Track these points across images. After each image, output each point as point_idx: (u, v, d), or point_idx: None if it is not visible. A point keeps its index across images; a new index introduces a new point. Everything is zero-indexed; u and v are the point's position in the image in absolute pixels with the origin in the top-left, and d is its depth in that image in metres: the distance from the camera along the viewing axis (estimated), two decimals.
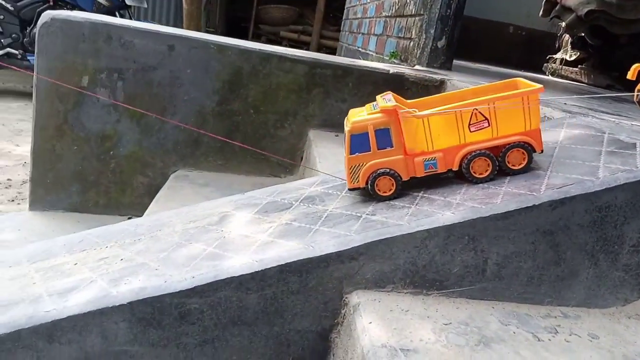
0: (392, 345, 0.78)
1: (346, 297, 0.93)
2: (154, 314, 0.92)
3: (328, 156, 1.88)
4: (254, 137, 2.26)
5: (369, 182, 1.04)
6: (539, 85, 0.99)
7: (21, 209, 2.77)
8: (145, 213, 1.89)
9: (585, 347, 0.86)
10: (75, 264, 1.10)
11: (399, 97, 1.12)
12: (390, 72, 2.26)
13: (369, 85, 2.24)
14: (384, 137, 1.02)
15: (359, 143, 1.02)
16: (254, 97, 2.22)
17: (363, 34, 4.57)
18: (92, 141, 2.20)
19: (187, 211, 1.28)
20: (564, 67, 4.64)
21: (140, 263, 1.03)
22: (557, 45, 5.15)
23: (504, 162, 1.01)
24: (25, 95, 6.19)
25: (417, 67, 2.76)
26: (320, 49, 8.33)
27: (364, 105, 1.18)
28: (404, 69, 2.34)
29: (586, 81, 3.91)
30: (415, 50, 2.86)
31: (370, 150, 1.03)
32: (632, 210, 0.93)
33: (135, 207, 2.28)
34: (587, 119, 1.28)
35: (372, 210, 1.02)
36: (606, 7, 3.88)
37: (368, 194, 1.09)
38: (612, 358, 0.83)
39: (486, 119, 0.99)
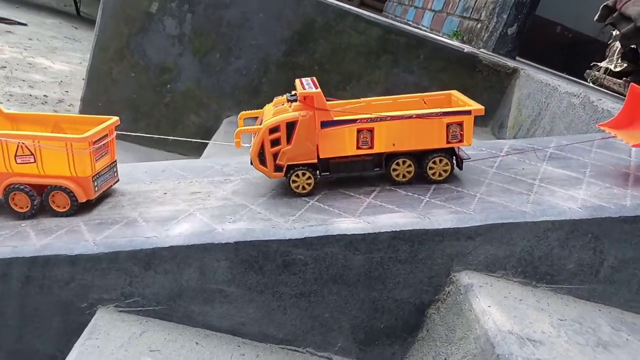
0: (518, 334, 0.76)
1: (454, 276, 0.90)
2: (258, 258, 0.89)
3: None
4: None
5: None
6: (92, 130, 0.97)
7: None
8: (203, 155, 1.85)
9: None
10: (165, 193, 1.07)
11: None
12: (465, 51, 2.19)
13: (440, 61, 2.17)
14: None
15: None
16: (322, 54, 2.15)
17: (416, 7, 4.44)
18: (150, 71, 2.14)
19: None
20: (607, 77, 4.53)
21: (240, 204, 1.00)
22: (607, 53, 5.03)
23: (47, 201, 0.98)
24: (59, 12, 6.08)
25: (482, 50, 2.68)
26: None
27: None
28: (477, 51, 2.27)
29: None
30: (483, 33, 2.78)
31: None
32: None
33: (183, 145, 2.23)
34: None
35: (487, 191, 0.98)
36: None
37: (478, 172, 1.06)
38: None
39: (32, 154, 0.96)
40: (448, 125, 0.99)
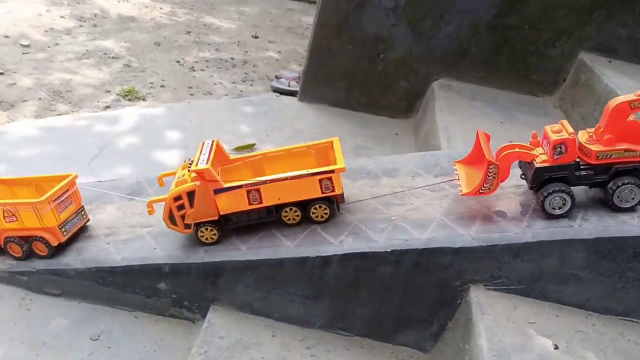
0: None
1: None
2: (612, 250, 1.08)
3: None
4: (521, 54, 2.27)
5: None
6: (49, 192, 1.26)
7: (256, 90, 3.03)
8: (438, 120, 2.00)
9: None
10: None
11: None
12: None
13: None
14: None
15: None
16: (532, 13, 2.19)
17: None
18: (366, 42, 2.31)
19: None
20: None
21: None
22: None
23: (31, 247, 1.31)
24: None
25: None
26: None
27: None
28: None
29: None
30: None
31: None
32: None
33: (393, 108, 2.43)
34: None
35: None
36: None
37: None
38: None
39: (14, 215, 1.27)
40: (320, 180, 1.18)
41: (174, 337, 1.30)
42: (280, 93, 2.95)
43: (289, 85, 2.96)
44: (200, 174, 1.18)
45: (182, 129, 2.29)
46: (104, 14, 3.74)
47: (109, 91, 2.69)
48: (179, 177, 1.24)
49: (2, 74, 2.65)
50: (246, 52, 3.57)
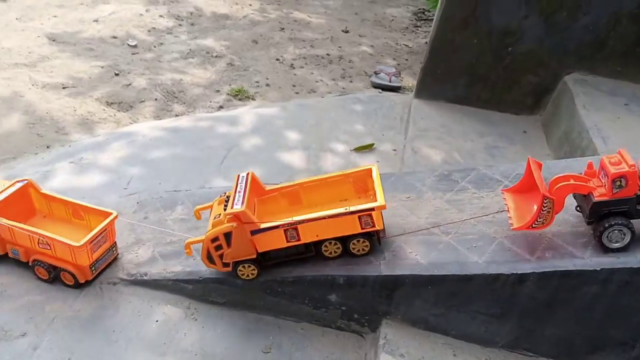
0: None
1: None
2: None
3: None
4: None
5: None
6: (88, 235, 1.28)
7: (357, 87, 2.95)
8: (583, 118, 1.86)
9: None
10: None
11: None
12: None
13: None
14: None
15: None
16: None
17: None
18: (493, 36, 2.19)
19: None
20: None
21: None
22: None
23: (59, 275, 1.34)
24: None
25: None
26: None
27: None
28: None
29: None
30: None
31: None
32: None
33: (517, 105, 2.30)
34: None
35: None
36: None
37: None
38: None
39: (49, 244, 1.31)
40: (360, 217, 1.13)
41: (345, 352, 1.25)
42: (382, 89, 2.88)
43: (390, 81, 2.88)
44: (236, 216, 1.15)
45: (300, 129, 2.24)
46: (199, 12, 3.76)
47: (218, 91, 2.69)
48: (215, 217, 1.21)
49: (117, 74, 2.70)
50: (340, 47, 3.50)
